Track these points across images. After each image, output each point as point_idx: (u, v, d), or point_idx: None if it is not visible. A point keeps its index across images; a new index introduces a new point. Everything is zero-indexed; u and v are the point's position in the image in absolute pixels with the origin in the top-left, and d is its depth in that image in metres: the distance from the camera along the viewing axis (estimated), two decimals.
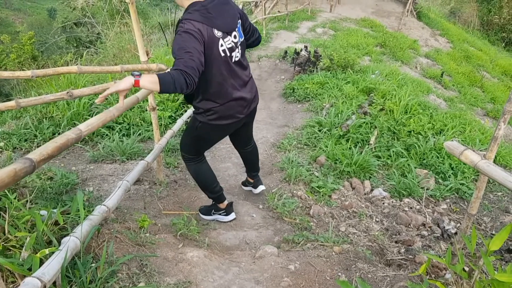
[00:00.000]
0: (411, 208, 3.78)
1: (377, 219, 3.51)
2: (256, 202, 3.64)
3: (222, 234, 3.08)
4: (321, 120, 5.26)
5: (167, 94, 5.75)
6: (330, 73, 7.23)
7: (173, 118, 5.41)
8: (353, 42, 10.65)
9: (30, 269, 1.76)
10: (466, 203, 4.01)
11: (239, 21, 2.65)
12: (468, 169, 4.35)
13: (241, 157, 3.56)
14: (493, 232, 3.55)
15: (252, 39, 2.88)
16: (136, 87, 2.14)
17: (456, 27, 18.65)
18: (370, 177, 4.26)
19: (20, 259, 1.84)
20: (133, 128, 4.93)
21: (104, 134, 4.74)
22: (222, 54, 2.51)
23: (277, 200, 3.54)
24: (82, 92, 3.08)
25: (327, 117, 5.36)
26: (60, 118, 4.83)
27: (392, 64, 9.70)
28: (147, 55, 3.22)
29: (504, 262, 2.98)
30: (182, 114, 5.40)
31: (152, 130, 3.78)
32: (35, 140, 4.53)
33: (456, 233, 3.31)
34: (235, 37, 2.59)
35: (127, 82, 2.13)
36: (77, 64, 8.15)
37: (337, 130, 4.94)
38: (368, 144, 4.75)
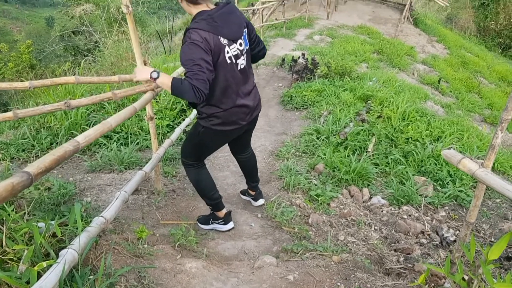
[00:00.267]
0: (409, 215, 3.77)
1: (375, 227, 3.51)
2: (254, 211, 3.64)
3: (220, 244, 3.07)
4: (319, 127, 5.26)
5: (165, 103, 5.76)
6: (328, 80, 7.24)
7: (171, 127, 5.41)
8: (350, 49, 10.69)
9: (28, 282, 1.75)
10: (464, 210, 4.01)
11: (245, 30, 2.73)
12: (466, 176, 4.35)
13: (239, 165, 3.56)
14: (492, 239, 3.55)
15: (257, 49, 2.95)
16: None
17: (453, 33, 18.72)
18: (369, 185, 4.26)
19: (18, 272, 1.82)
20: (131, 137, 4.93)
21: (102, 143, 4.74)
22: (229, 61, 2.60)
23: (275, 209, 3.53)
24: (80, 102, 3.07)
25: (325, 124, 5.37)
26: (58, 127, 4.83)
27: (389, 71, 9.74)
28: (145, 64, 3.22)
29: (503, 270, 2.97)
30: (180, 122, 5.40)
31: (150, 139, 3.78)
32: (33, 150, 4.52)
33: (455, 241, 3.31)
34: (240, 44, 2.67)
35: (143, 76, 2.67)
36: (74, 73, 8.17)
37: (335, 137, 4.94)
38: (366, 152, 4.75)
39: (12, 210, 2.20)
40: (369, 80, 7.49)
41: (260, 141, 5.33)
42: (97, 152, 4.53)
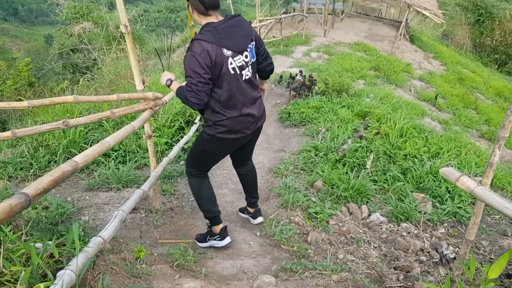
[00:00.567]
0: (409, 233, 3.76)
1: (375, 245, 3.49)
2: (253, 229, 3.62)
3: (219, 263, 3.05)
4: (317, 144, 5.27)
5: (164, 120, 5.78)
6: (325, 97, 7.27)
7: (169, 144, 5.41)
8: (347, 66, 10.75)
9: None
10: (464, 226, 4.00)
11: (253, 43, 2.83)
12: (465, 193, 4.34)
13: (240, 179, 3.58)
14: (492, 256, 3.53)
15: (264, 63, 3.03)
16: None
17: (449, 50, 18.86)
18: (367, 202, 4.25)
19: None
20: (129, 155, 4.92)
21: (99, 161, 4.74)
22: (232, 72, 2.70)
23: (274, 227, 3.52)
24: (78, 121, 3.08)
25: (323, 141, 5.38)
26: (56, 146, 4.83)
27: (387, 87, 9.77)
28: (144, 83, 3.24)
29: None
30: (178, 140, 5.41)
31: (149, 157, 3.78)
32: (31, 169, 4.51)
33: (454, 258, 3.29)
34: (246, 56, 2.76)
35: (163, 82, 2.95)
36: (73, 91, 8.20)
37: (333, 154, 4.95)
38: (365, 168, 4.75)
39: (10, 231, 2.19)
40: (367, 96, 7.52)
41: (259, 158, 5.33)
42: (95, 171, 4.52)
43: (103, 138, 5.01)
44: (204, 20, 2.68)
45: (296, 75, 8.13)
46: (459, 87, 12.71)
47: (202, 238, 3.37)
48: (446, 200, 4.30)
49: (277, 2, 19.13)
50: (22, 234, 2.39)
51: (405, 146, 5.19)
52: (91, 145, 4.84)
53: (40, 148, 4.85)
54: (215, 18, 2.67)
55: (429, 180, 4.55)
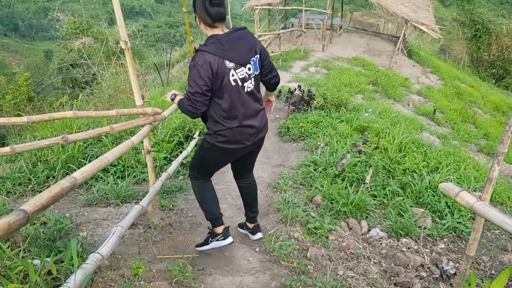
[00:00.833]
0: (409, 248, 3.74)
1: (375, 261, 3.47)
2: (252, 245, 3.59)
3: (218, 279, 3.02)
4: (316, 159, 5.27)
5: (163, 135, 5.78)
6: (324, 112, 7.30)
7: (168, 159, 5.40)
8: (345, 81, 10.80)
9: None
10: (464, 241, 3.98)
11: (257, 56, 2.88)
12: (465, 208, 4.33)
13: (240, 192, 3.59)
14: (493, 272, 3.51)
15: (269, 76, 3.09)
16: None
17: (447, 64, 18.99)
18: (367, 217, 4.23)
19: None
20: (128, 170, 4.91)
21: (98, 176, 4.72)
22: (233, 83, 2.76)
23: (273, 243, 3.50)
24: (77, 137, 3.09)
25: (322, 156, 5.38)
26: (54, 161, 4.82)
27: (385, 101, 9.82)
28: (143, 98, 3.25)
29: None
30: (177, 155, 5.40)
31: (147, 172, 3.78)
32: (29, 184, 4.49)
33: (455, 274, 3.27)
34: (249, 69, 2.82)
35: (168, 98, 3.09)
36: (72, 105, 8.21)
37: (332, 169, 4.94)
38: (364, 183, 4.75)
39: (8, 247, 2.18)
40: (365, 111, 7.54)
41: (258, 173, 5.31)
42: (94, 186, 4.51)
43: (102, 153, 5.02)
44: (210, 32, 2.77)
45: (295, 89, 8.17)
46: (457, 102, 12.76)
47: (202, 243, 3.42)
48: (445, 215, 4.29)
49: (275, 18, 19.29)
50: (20, 250, 2.38)
51: (404, 160, 5.19)
52: (90, 161, 4.83)
53: (39, 163, 4.84)
54: (220, 30, 2.76)
55: (428, 195, 4.55)
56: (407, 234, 3.93)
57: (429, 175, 4.89)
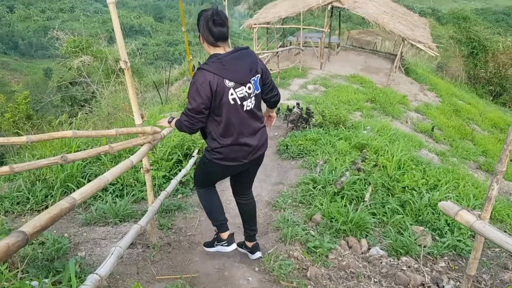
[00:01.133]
0: (409, 267, 3.72)
1: (375, 280, 3.45)
2: (251, 265, 3.57)
3: None
4: (315, 177, 5.26)
5: (162, 153, 5.78)
6: (323, 129, 7.31)
7: (167, 177, 5.39)
8: (344, 98, 10.85)
9: None
10: (464, 260, 3.96)
11: (258, 75, 2.94)
12: (465, 226, 4.31)
13: (239, 209, 3.61)
14: None
15: (270, 95, 3.16)
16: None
17: (444, 82, 19.10)
18: (367, 235, 4.21)
19: None
20: (126, 188, 4.90)
21: (97, 195, 4.71)
22: (232, 102, 2.81)
23: (273, 262, 3.47)
24: (76, 156, 3.08)
25: (321, 174, 5.38)
26: (53, 180, 4.80)
27: (383, 119, 9.85)
28: (142, 118, 3.26)
29: None
30: (176, 173, 5.39)
31: (146, 191, 3.77)
32: (28, 203, 4.47)
33: None
34: (249, 88, 2.88)
35: (164, 124, 3.20)
36: (71, 123, 8.21)
37: (331, 187, 4.94)
38: (363, 201, 4.74)
39: (6, 268, 2.16)
40: (364, 128, 7.56)
41: (257, 191, 5.30)
42: (92, 205, 4.49)
43: (101, 171, 5.02)
44: (212, 51, 2.84)
45: (294, 107, 8.20)
46: (455, 119, 12.81)
47: (209, 243, 3.61)
48: (445, 233, 4.27)
49: (274, 36, 19.46)
50: (18, 272, 2.36)
51: (403, 178, 5.18)
52: (89, 179, 4.83)
53: (37, 182, 4.83)
54: (222, 49, 2.83)
55: (428, 212, 4.53)
56: (407, 253, 3.91)
57: (429, 193, 4.88)
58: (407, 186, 5.04)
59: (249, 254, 3.67)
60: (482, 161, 9.35)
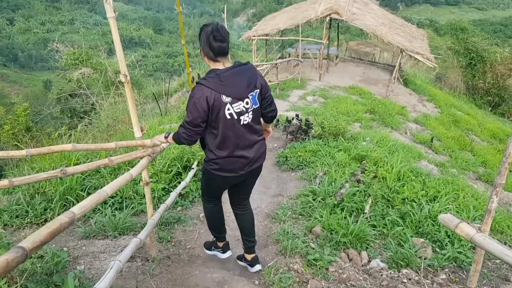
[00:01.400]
0: (409, 279, 3.70)
1: None
2: (251, 278, 3.55)
3: None
4: (315, 189, 5.26)
5: (161, 166, 5.77)
6: (322, 141, 7.32)
7: (166, 190, 5.38)
8: (343, 109, 10.88)
9: None
10: (465, 272, 3.94)
11: (256, 90, 2.98)
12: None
13: (236, 220, 3.64)
14: None
15: (268, 109, 3.20)
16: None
17: (443, 92, 19.16)
18: (367, 247, 4.20)
19: None
20: (125, 201, 4.89)
21: (96, 208, 4.69)
22: (228, 117, 2.87)
23: (273, 275, 3.45)
24: (75, 169, 3.08)
25: (320, 185, 5.37)
26: (52, 193, 4.79)
27: (382, 130, 9.86)
28: (142, 130, 3.27)
29: None
30: (175, 185, 5.38)
31: (145, 203, 3.76)
32: (27, 216, 4.46)
33: None
34: (247, 103, 2.93)
35: (159, 141, 3.24)
36: (71, 135, 8.21)
37: (331, 199, 4.93)
38: (363, 213, 4.73)
39: (5, 283, 2.15)
40: (363, 140, 7.57)
41: (256, 203, 5.30)
42: (91, 218, 4.48)
43: (100, 184, 5.01)
44: (212, 65, 2.92)
45: (293, 118, 8.22)
46: (454, 129, 12.83)
47: (208, 245, 3.87)
48: (446, 245, 4.26)
49: (272, 47, 19.57)
50: (17, 286, 2.34)
51: (403, 190, 5.18)
52: (88, 192, 4.82)
53: (36, 195, 4.81)
54: (221, 64, 2.89)
55: (428, 224, 4.52)
56: (407, 265, 3.89)
57: (428, 204, 4.88)
58: (407, 198, 5.03)
59: (248, 267, 3.65)
60: (481, 172, 9.34)
